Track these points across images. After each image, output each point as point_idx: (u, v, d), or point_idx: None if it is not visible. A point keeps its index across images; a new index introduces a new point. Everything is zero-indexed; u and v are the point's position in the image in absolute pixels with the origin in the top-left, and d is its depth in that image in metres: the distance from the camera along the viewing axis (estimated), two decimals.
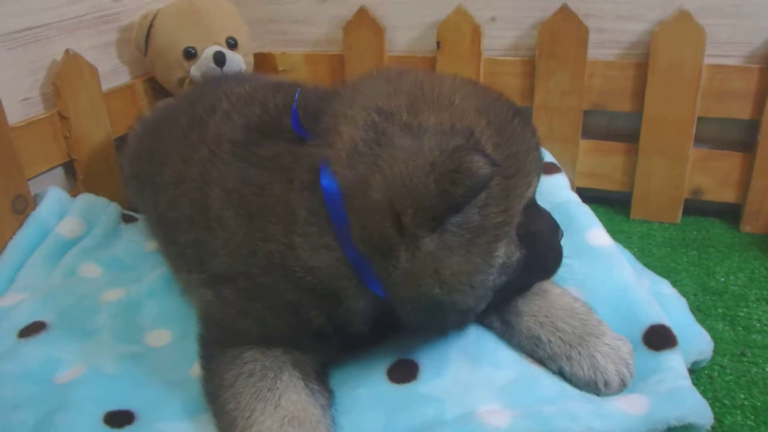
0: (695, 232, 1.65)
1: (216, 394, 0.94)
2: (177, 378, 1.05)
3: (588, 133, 1.77)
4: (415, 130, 0.85)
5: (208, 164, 1.05)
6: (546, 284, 1.08)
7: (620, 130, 1.77)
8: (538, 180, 0.99)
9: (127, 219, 1.67)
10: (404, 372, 1.00)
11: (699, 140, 1.66)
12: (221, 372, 0.95)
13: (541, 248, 0.99)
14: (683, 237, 1.63)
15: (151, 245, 1.54)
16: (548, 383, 0.98)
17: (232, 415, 0.90)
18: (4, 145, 1.42)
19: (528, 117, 0.99)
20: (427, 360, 1.01)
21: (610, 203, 1.79)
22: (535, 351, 1.03)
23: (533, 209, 0.99)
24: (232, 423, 0.90)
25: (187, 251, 1.08)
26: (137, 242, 1.56)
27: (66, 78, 1.59)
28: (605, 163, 1.77)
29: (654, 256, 1.55)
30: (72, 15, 1.68)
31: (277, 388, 0.91)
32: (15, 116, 1.50)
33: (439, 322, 0.94)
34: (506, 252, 0.91)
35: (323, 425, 0.90)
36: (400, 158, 0.83)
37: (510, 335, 1.06)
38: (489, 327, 1.08)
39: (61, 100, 1.59)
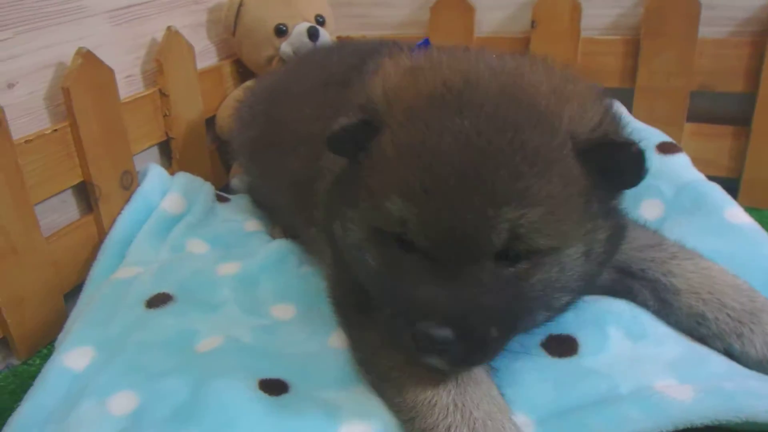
0: None
1: (371, 362, 0.91)
2: (315, 349, 1.03)
3: (690, 116, 1.70)
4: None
5: None
6: (705, 261, 1.02)
7: (725, 112, 1.70)
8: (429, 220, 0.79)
9: (221, 199, 1.66)
10: (562, 346, 0.95)
11: None
12: (370, 338, 0.92)
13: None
14: None
15: (250, 225, 1.53)
16: (717, 360, 0.92)
17: (399, 381, 0.86)
18: (116, 120, 1.41)
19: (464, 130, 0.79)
20: (584, 335, 0.96)
21: None
22: (696, 329, 0.97)
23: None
24: (401, 388, 0.85)
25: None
26: (236, 221, 1.55)
27: (168, 55, 1.58)
28: (710, 148, 1.70)
29: None
30: None
31: None
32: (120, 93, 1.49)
33: None
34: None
35: (494, 389, 0.86)
36: None
37: (667, 314, 1.00)
38: (643, 305, 1.02)
39: (162, 78, 1.57)
